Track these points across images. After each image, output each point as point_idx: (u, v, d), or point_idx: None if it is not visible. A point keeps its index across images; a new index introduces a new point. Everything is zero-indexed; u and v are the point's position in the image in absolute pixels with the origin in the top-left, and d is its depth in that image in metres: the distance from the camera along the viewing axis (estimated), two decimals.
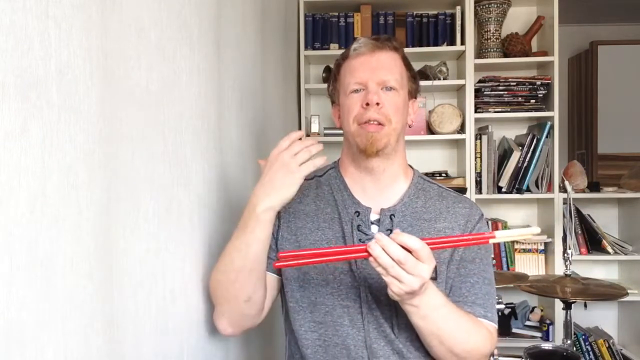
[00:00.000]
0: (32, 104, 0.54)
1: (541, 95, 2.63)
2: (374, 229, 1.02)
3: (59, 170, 0.58)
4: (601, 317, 2.94)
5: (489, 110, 2.64)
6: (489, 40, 2.66)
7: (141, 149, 0.79)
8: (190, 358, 0.97)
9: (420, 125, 2.60)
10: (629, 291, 1.96)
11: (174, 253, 0.90)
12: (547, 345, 1.87)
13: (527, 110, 2.64)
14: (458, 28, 2.61)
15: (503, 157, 2.66)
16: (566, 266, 1.93)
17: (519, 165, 2.60)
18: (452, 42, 2.64)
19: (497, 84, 2.64)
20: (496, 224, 2.68)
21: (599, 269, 2.87)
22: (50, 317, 0.56)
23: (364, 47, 1.02)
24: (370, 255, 0.83)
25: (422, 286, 0.85)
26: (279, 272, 1.05)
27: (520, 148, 2.61)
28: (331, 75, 1.11)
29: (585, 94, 3.53)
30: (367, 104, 0.98)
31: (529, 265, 2.68)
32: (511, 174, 2.61)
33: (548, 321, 2.61)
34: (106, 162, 0.67)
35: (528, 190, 2.61)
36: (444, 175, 2.69)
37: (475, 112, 2.62)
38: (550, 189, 2.62)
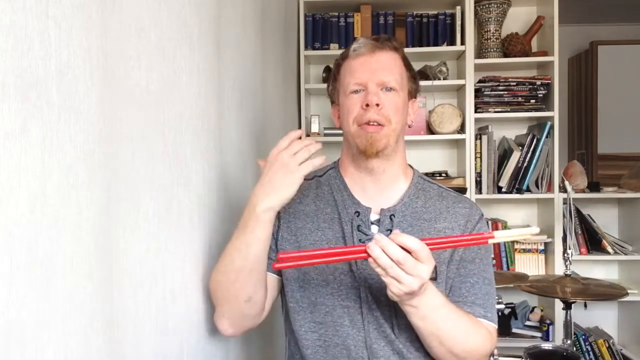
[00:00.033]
0: (32, 104, 0.54)
1: (541, 95, 2.63)
2: (374, 229, 1.02)
3: (59, 170, 0.58)
4: (601, 317, 2.94)
5: (489, 110, 2.64)
6: (489, 40, 2.66)
7: (141, 149, 0.79)
8: (190, 358, 0.97)
9: (420, 125, 2.60)
10: (629, 291, 1.96)
11: (174, 253, 0.90)
12: (547, 345, 1.87)
13: (527, 110, 2.64)
14: (458, 28, 2.61)
15: (503, 157, 2.66)
16: (566, 266, 1.93)
17: (519, 165, 2.60)
18: (452, 42, 2.64)
19: (497, 84, 2.64)
20: (496, 224, 2.68)
21: (599, 269, 2.87)
22: (50, 317, 0.56)
23: (363, 48, 1.02)
24: (369, 256, 0.83)
25: (421, 287, 0.84)
26: (279, 272, 1.05)
27: (520, 148, 2.61)
28: (331, 75, 1.11)
29: (585, 94, 3.53)
30: (367, 105, 0.98)
31: (529, 265, 2.68)
32: (511, 174, 2.61)
33: (548, 321, 2.62)
34: (106, 162, 0.67)
35: (528, 190, 2.61)
36: (444, 175, 2.69)
37: (475, 112, 2.62)
38: (550, 189, 2.62)
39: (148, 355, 0.81)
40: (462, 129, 2.62)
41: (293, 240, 1.04)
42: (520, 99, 2.64)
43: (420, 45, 2.66)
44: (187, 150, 0.96)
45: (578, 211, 2.79)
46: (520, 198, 2.64)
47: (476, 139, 2.62)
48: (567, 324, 1.88)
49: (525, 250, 2.69)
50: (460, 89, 2.73)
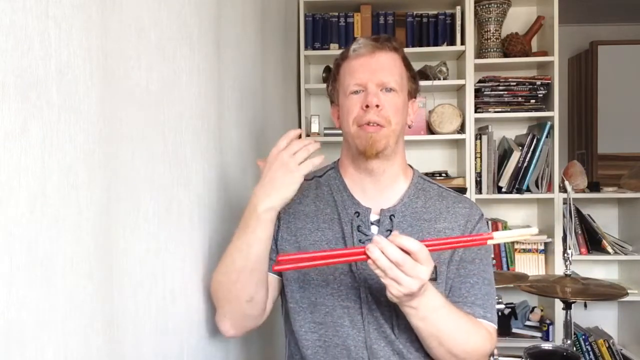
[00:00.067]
0: (32, 104, 0.54)
1: (541, 95, 2.63)
2: (374, 229, 1.02)
3: (59, 170, 0.58)
4: (601, 317, 2.94)
5: (489, 110, 2.64)
6: (489, 40, 2.66)
7: (141, 149, 0.79)
8: (190, 358, 0.97)
9: (420, 125, 2.60)
10: (629, 291, 1.96)
11: (174, 253, 0.90)
12: (547, 345, 1.87)
13: (527, 110, 2.64)
14: (458, 28, 2.61)
15: (503, 157, 2.66)
16: (566, 266, 1.93)
17: (519, 165, 2.60)
18: (452, 42, 2.64)
19: (497, 84, 2.64)
20: (496, 224, 2.68)
21: (599, 269, 2.87)
22: (50, 317, 0.56)
23: (363, 48, 1.01)
24: (368, 257, 0.83)
25: (420, 288, 0.84)
26: (279, 272, 1.05)
27: (520, 148, 2.61)
28: (330, 75, 1.11)
29: (585, 94, 3.53)
30: (367, 106, 0.98)
31: (529, 265, 2.68)
32: (511, 174, 2.61)
33: (548, 321, 2.62)
34: (106, 162, 0.67)
35: (528, 190, 2.61)
36: (444, 175, 2.69)
37: (475, 112, 2.62)
38: (550, 189, 2.62)
39: (148, 355, 0.81)
40: (462, 129, 2.62)
41: (293, 241, 1.04)
42: (520, 99, 2.64)
43: (420, 45, 2.66)
44: (187, 150, 0.96)
45: (578, 211, 2.79)
46: (520, 198, 2.64)
47: (476, 139, 2.62)
48: (567, 324, 1.88)
49: (525, 250, 2.69)
50: (460, 89, 2.73)
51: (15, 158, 0.51)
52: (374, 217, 1.03)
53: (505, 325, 2.60)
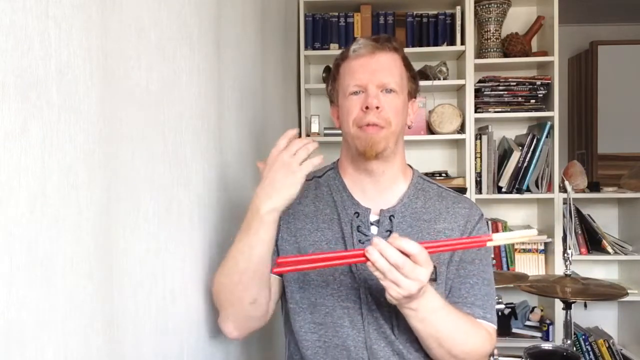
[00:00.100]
0: (32, 104, 0.54)
1: (541, 95, 2.63)
2: (374, 229, 1.02)
3: (59, 170, 0.58)
4: (601, 317, 2.94)
5: (489, 110, 2.64)
6: (489, 40, 2.66)
7: (141, 149, 0.79)
8: (190, 358, 0.97)
9: (420, 125, 2.60)
10: (629, 291, 1.96)
11: (174, 253, 0.90)
12: (547, 345, 1.87)
13: (527, 110, 2.64)
14: (458, 28, 2.61)
15: (503, 157, 2.66)
16: (566, 266, 1.93)
17: (519, 165, 2.60)
18: (452, 42, 2.64)
19: (497, 84, 2.64)
20: (496, 224, 2.68)
21: (599, 269, 2.86)
22: (50, 317, 0.56)
23: (363, 49, 1.01)
24: (367, 259, 0.83)
25: (420, 290, 0.84)
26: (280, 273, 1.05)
27: (520, 148, 2.61)
28: (330, 75, 1.11)
29: (585, 94, 3.53)
30: (367, 108, 0.98)
31: (529, 265, 2.68)
32: (511, 174, 2.61)
33: (548, 321, 2.61)
34: (106, 162, 0.67)
35: (528, 190, 2.61)
36: (444, 175, 2.69)
37: (475, 112, 2.62)
38: (550, 189, 2.62)
39: (148, 355, 0.81)
40: (462, 129, 2.62)
41: (293, 241, 1.04)
42: (520, 99, 2.64)
43: (420, 45, 2.66)
44: (187, 150, 0.96)
45: (578, 211, 2.79)
46: (520, 198, 2.64)
47: (476, 139, 2.62)
48: (567, 324, 1.88)
49: (525, 250, 2.69)
50: (460, 89, 2.73)
51: (15, 158, 0.51)
52: (373, 217, 1.03)
53: (505, 325, 2.60)
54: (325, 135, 2.63)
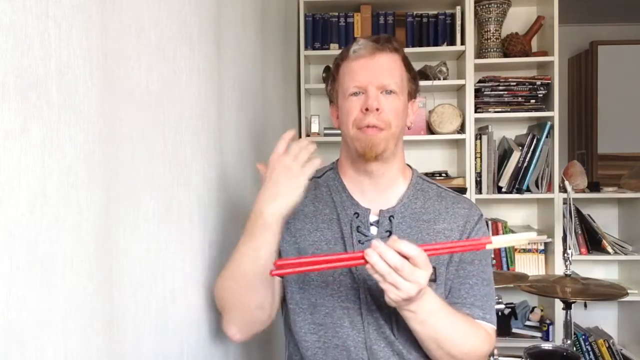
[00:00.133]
0: (32, 104, 0.54)
1: (541, 95, 2.63)
2: (373, 230, 1.02)
3: (59, 170, 0.58)
4: (601, 317, 2.94)
5: (489, 110, 2.64)
6: (489, 40, 2.66)
7: (141, 149, 0.79)
8: (190, 358, 0.97)
9: (420, 125, 2.60)
10: (629, 291, 1.96)
11: (174, 253, 0.90)
12: (547, 345, 1.87)
13: (527, 110, 2.64)
14: (458, 28, 2.61)
15: (503, 157, 2.66)
16: (566, 266, 1.93)
17: (519, 165, 2.60)
18: (452, 42, 2.64)
19: (497, 84, 2.64)
20: (496, 224, 2.68)
21: (599, 269, 2.87)
22: (50, 317, 0.56)
23: (363, 49, 1.00)
24: (367, 262, 0.83)
25: (419, 292, 0.84)
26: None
27: (520, 148, 2.61)
28: (330, 75, 1.10)
29: (585, 94, 3.53)
30: (367, 109, 0.97)
31: (529, 265, 2.68)
32: (511, 174, 2.61)
33: (548, 321, 2.62)
34: (106, 162, 0.67)
35: (528, 190, 2.61)
36: (444, 175, 2.69)
37: (475, 112, 2.62)
38: (550, 189, 2.62)
39: (148, 355, 0.81)
40: (462, 129, 2.62)
41: (292, 242, 1.04)
42: (520, 99, 2.64)
43: (420, 45, 2.66)
44: (187, 150, 0.96)
45: (578, 211, 2.79)
46: (520, 198, 2.64)
47: (476, 139, 2.62)
48: (567, 324, 1.88)
49: (525, 250, 2.69)
50: (460, 89, 2.73)
51: (15, 158, 0.51)
52: (373, 218, 1.03)
53: (505, 325, 2.60)
54: (325, 135, 2.62)
